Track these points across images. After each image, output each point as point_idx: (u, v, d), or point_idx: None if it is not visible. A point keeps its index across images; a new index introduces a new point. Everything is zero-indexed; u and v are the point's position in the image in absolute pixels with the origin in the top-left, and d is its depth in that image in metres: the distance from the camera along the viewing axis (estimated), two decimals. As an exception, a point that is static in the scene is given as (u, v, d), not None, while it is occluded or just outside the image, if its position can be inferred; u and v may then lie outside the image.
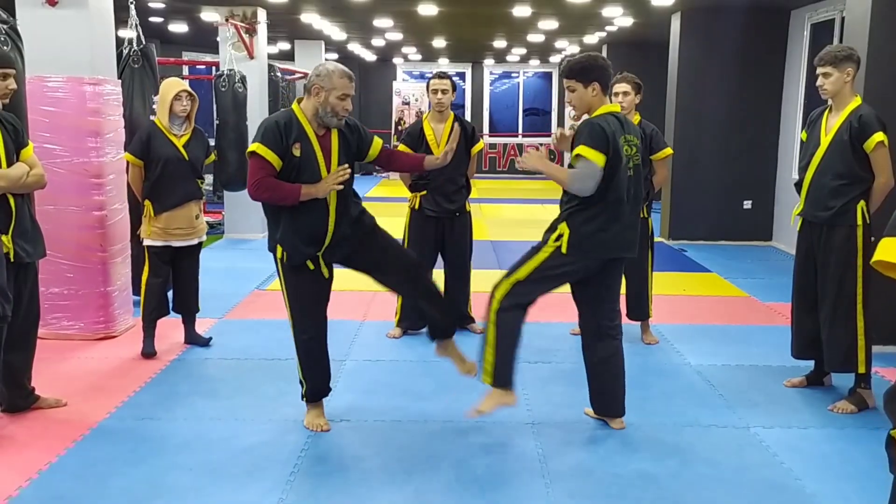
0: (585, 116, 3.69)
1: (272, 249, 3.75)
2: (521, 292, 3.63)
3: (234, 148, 8.06)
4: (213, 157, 5.11)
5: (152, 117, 5.24)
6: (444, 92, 5.20)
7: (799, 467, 3.53)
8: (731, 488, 3.34)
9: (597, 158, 3.50)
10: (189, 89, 4.88)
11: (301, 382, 3.91)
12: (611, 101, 5.19)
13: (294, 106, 3.71)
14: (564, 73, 3.70)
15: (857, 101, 4.13)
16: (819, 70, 4.14)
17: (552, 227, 3.68)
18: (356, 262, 3.84)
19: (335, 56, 16.84)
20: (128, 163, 4.95)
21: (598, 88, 3.66)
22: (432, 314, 4.01)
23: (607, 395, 3.91)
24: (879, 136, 4.01)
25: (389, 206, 12.19)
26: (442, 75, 5.27)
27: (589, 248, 3.61)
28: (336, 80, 3.59)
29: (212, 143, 8.81)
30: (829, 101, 4.21)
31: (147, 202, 4.82)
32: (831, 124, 4.17)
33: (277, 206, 3.64)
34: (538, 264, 3.63)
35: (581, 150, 3.54)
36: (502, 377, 3.63)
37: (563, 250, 3.58)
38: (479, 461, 3.55)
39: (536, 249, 3.67)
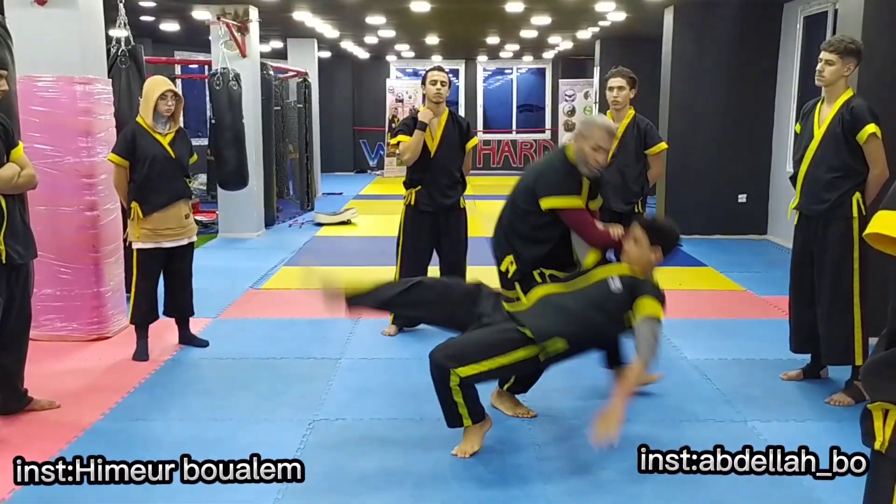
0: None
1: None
2: (483, 379, 3.42)
3: (232, 146, 7.87)
4: (195, 157, 5.02)
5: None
6: (443, 83, 5.22)
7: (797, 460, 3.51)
8: (729, 483, 3.32)
9: None
10: (174, 89, 4.82)
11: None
12: (607, 97, 5.27)
13: (568, 148, 3.82)
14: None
15: (849, 93, 4.11)
16: (823, 55, 4.09)
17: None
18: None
19: (328, 54, 16.75)
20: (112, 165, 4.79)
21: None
22: None
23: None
24: (871, 128, 3.99)
25: (385, 203, 12.19)
26: (440, 68, 5.30)
27: None
28: (595, 131, 3.72)
29: (205, 142, 8.80)
30: (822, 93, 4.19)
31: (134, 204, 4.70)
32: (824, 116, 4.15)
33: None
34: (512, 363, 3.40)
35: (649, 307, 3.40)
36: (479, 413, 3.52)
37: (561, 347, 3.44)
38: (476, 459, 3.52)
39: (514, 342, 3.39)
